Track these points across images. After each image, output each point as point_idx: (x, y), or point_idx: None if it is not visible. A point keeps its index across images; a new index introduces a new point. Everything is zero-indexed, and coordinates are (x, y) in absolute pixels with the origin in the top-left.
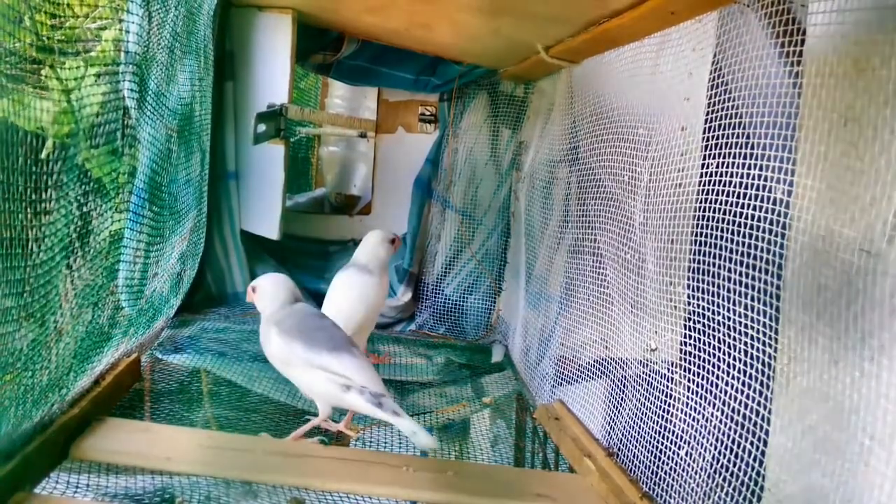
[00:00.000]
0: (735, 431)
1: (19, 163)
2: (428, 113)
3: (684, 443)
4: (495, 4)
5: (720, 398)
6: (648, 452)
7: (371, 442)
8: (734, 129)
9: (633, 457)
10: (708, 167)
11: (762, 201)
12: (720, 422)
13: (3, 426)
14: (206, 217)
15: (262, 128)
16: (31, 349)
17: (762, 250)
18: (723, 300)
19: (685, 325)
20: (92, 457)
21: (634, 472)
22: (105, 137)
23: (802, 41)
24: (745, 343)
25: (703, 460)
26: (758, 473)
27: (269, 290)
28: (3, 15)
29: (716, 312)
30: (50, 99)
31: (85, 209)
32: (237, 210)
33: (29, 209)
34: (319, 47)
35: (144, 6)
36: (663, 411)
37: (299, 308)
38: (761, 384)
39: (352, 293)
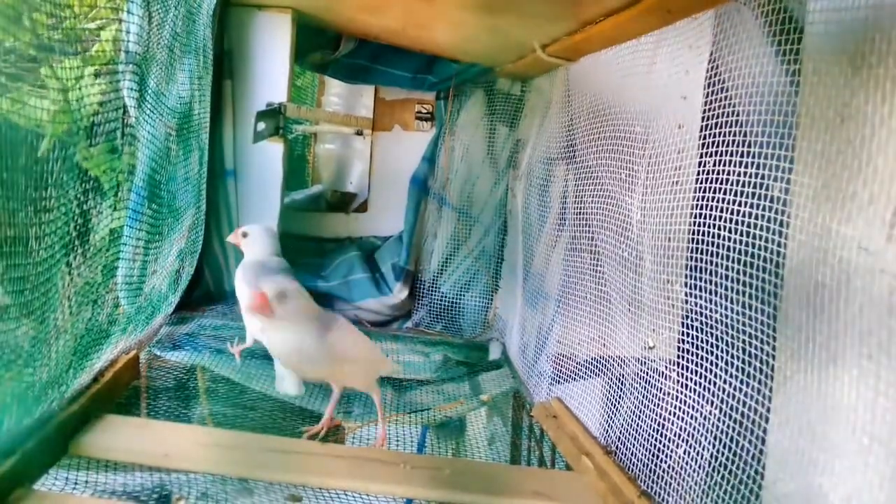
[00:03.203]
0: (733, 429)
1: (19, 161)
2: (424, 111)
3: (682, 441)
4: (492, 3)
5: (718, 396)
6: (646, 450)
7: (368, 439)
8: (731, 126)
9: (631, 455)
10: (705, 165)
11: (759, 199)
12: (718, 419)
13: (4, 423)
14: (204, 215)
15: (261, 126)
16: (32, 346)
17: (760, 248)
18: (720, 298)
19: (683, 323)
20: (91, 453)
21: (632, 470)
22: (104, 136)
23: (799, 39)
24: (743, 341)
25: (702, 458)
26: (756, 471)
27: (260, 238)
28: (1, 13)
29: (713, 310)
30: (48, 97)
31: (85, 207)
32: (235, 208)
33: (29, 207)
34: (317, 46)
35: (145, 6)
36: (661, 409)
37: (272, 262)
38: (759, 382)
39: None
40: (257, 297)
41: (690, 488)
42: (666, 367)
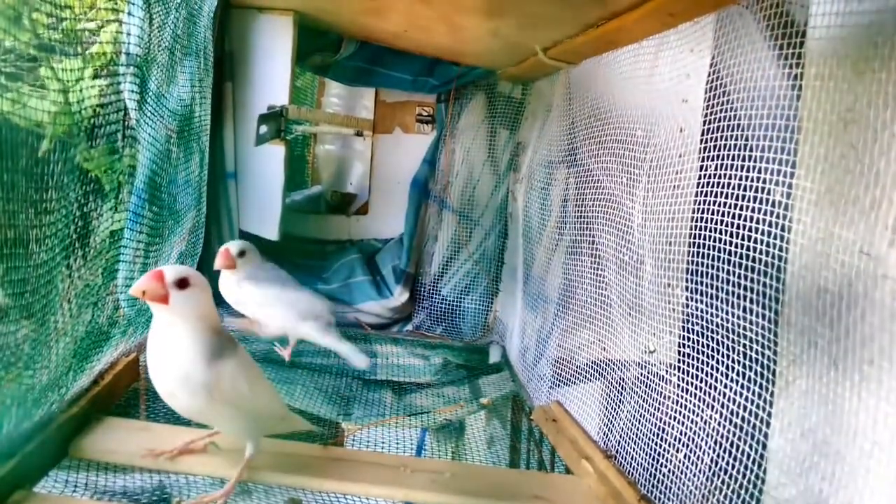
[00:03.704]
0: (734, 434)
1: (20, 162)
2: (425, 113)
3: (683, 445)
4: (493, 6)
5: (719, 400)
6: (647, 455)
7: (368, 442)
8: (732, 130)
9: (632, 459)
10: (706, 169)
11: (761, 203)
12: (719, 424)
13: (4, 425)
14: (204, 217)
15: (264, 129)
16: (32, 349)
17: (761, 252)
18: (721, 302)
19: (683, 327)
20: (91, 456)
21: (633, 474)
22: (105, 138)
23: (801, 43)
24: (745, 345)
25: (702, 463)
26: (757, 476)
27: (257, 254)
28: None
29: (714, 315)
30: (48, 98)
31: (85, 209)
32: (236, 210)
33: (30, 209)
34: (318, 48)
35: (145, 8)
36: (662, 413)
37: (269, 266)
38: (760, 387)
39: None
40: (152, 277)
41: (691, 493)
42: (666, 371)
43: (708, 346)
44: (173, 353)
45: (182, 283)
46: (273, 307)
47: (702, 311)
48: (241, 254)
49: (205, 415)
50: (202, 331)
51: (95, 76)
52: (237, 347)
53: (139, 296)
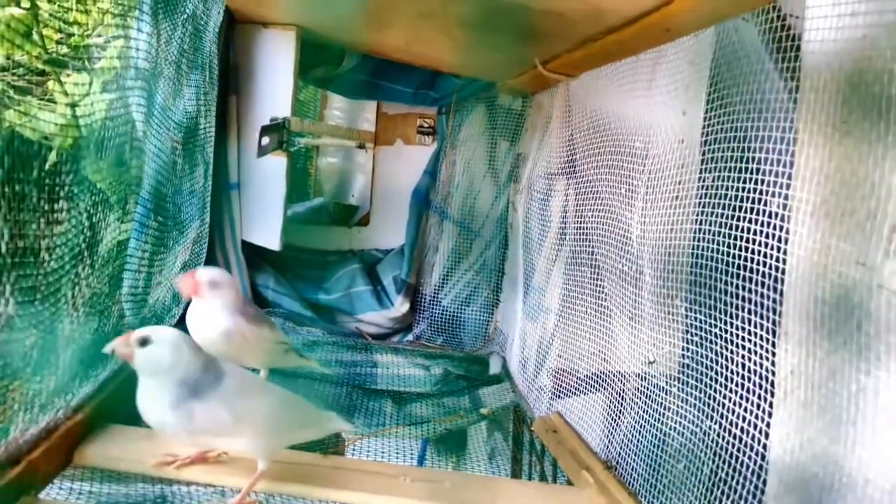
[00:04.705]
0: (733, 445)
1: (31, 174)
2: (426, 125)
3: (683, 456)
4: (493, 21)
5: (718, 411)
6: (647, 466)
7: (369, 452)
8: (731, 142)
9: (632, 470)
10: (705, 180)
11: (759, 214)
12: (719, 435)
13: (10, 431)
14: (208, 228)
15: (265, 140)
16: (40, 356)
17: (759, 263)
18: (721, 313)
19: (683, 338)
20: (95, 463)
21: (633, 485)
22: (113, 150)
23: (797, 56)
24: (744, 356)
25: (702, 473)
26: (756, 487)
27: (236, 286)
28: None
29: (714, 325)
30: (56, 111)
31: (94, 220)
32: (238, 221)
33: (41, 219)
34: (321, 61)
35: (153, 24)
36: (662, 424)
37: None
38: (760, 397)
39: None
40: (123, 337)
41: (691, 503)
42: (667, 381)
43: (708, 356)
44: (147, 401)
45: (144, 342)
46: (269, 346)
47: (701, 322)
48: (214, 283)
49: (208, 444)
50: (168, 381)
51: (103, 90)
52: (221, 380)
53: (109, 352)
